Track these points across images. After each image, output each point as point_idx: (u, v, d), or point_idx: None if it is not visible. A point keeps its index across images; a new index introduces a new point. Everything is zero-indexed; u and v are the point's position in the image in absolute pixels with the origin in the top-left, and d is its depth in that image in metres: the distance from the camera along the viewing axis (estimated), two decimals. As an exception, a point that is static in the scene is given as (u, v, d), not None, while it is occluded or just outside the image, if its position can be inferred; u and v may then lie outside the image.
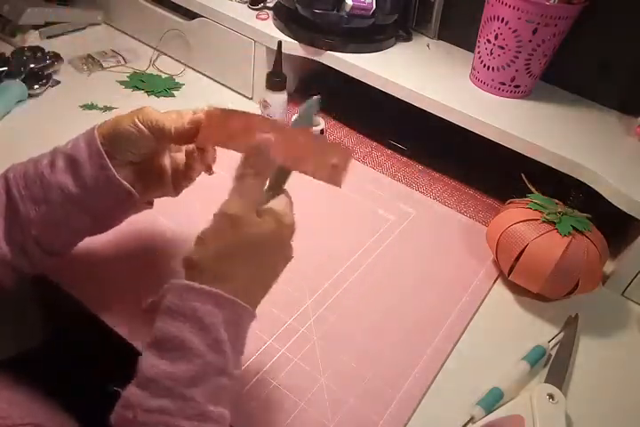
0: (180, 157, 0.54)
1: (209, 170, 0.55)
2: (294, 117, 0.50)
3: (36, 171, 0.48)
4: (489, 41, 0.77)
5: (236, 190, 0.43)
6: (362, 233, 0.73)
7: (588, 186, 0.69)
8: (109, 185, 0.48)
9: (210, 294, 0.39)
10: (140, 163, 0.51)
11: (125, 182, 0.48)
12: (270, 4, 0.92)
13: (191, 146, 0.53)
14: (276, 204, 0.45)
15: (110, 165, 0.47)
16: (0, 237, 0.47)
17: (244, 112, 0.48)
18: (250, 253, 0.42)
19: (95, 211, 0.50)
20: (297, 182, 0.48)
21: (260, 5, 0.91)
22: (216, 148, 0.54)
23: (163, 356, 0.38)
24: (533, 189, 0.68)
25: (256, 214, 0.43)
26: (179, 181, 0.54)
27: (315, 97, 0.50)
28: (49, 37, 1.01)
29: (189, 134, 0.48)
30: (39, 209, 0.47)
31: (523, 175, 0.69)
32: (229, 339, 0.39)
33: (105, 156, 0.47)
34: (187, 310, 0.38)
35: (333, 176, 0.46)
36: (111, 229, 0.55)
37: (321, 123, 0.82)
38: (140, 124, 0.47)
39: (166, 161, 0.54)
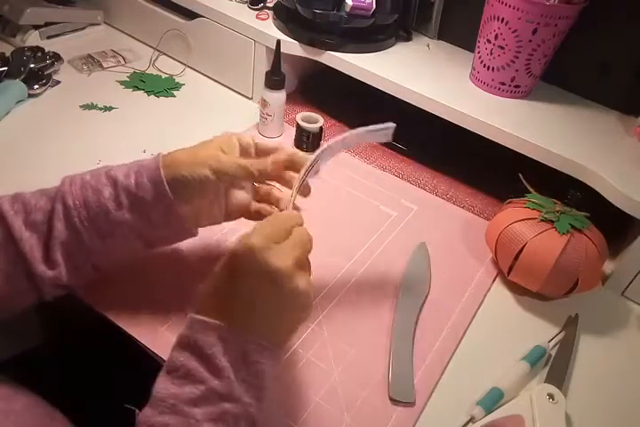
0: (243, 196, 0.58)
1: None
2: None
3: (99, 204, 0.49)
4: (489, 41, 0.77)
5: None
6: (365, 229, 0.73)
7: (588, 186, 0.69)
8: (174, 223, 0.51)
9: (209, 325, 0.42)
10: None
11: (188, 223, 0.52)
12: (270, 4, 0.92)
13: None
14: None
15: (178, 210, 0.50)
16: (61, 262, 0.49)
17: None
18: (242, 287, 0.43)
19: (153, 240, 0.54)
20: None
21: (259, 5, 0.91)
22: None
23: (173, 382, 0.41)
24: (532, 189, 0.68)
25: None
26: (232, 216, 0.58)
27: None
28: (49, 37, 1.00)
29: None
30: (104, 241, 0.50)
31: (520, 175, 0.69)
32: (234, 368, 0.41)
33: (174, 202, 0.49)
34: (191, 340, 0.42)
35: None
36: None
37: (320, 120, 0.82)
38: (212, 175, 0.49)
39: (222, 199, 0.56)
